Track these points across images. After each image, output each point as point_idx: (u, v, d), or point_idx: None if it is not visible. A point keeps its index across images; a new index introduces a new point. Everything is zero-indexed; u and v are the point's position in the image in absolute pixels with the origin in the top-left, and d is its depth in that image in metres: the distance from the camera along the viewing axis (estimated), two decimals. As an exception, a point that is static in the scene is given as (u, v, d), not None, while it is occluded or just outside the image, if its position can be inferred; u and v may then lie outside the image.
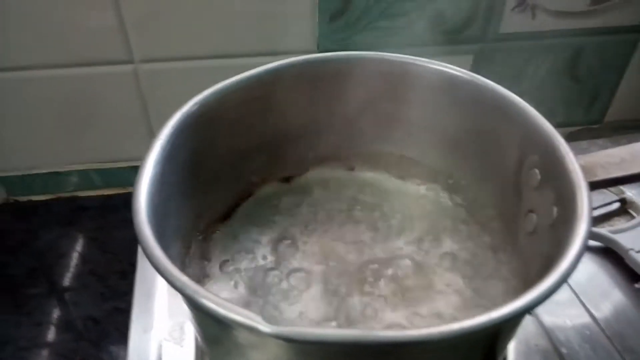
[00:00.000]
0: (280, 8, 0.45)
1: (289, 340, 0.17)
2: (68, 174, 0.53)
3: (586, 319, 0.33)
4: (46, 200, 0.53)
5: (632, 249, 0.36)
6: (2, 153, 0.51)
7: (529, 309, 0.18)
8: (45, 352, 0.41)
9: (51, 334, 0.42)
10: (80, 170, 0.53)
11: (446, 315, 0.29)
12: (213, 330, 0.23)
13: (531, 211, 0.27)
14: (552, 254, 0.21)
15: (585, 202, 0.22)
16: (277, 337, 0.17)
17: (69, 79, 0.46)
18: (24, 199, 0.54)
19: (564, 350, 0.31)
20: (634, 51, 0.53)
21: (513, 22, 0.49)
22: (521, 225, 0.28)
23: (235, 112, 0.31)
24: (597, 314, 0.33)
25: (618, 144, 0.38)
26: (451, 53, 0.50)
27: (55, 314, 0.44)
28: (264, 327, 0.17)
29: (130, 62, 0.46)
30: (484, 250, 0.31)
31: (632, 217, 0.39)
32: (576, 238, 0.20)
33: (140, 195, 0.22)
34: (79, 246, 0.49)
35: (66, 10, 0.43)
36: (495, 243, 0.31)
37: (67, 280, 0.46)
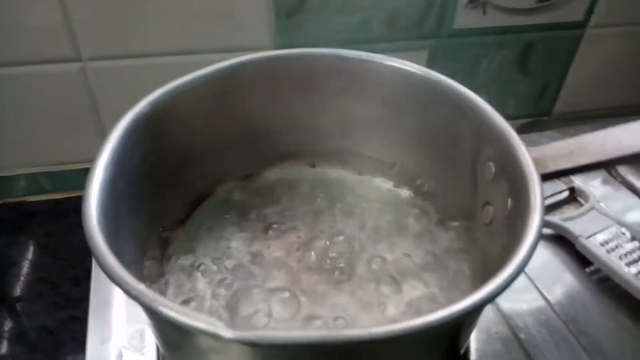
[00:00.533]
0: (236, 4, 0.44)
1: (252, 344, 0.17)
2: (15, 178, 0.51)
3: (542, 303, 0.34)
4: (-8, 206, 0.51)
5: (581, 236, 0.37)
6: (-60, 158, 0.48)
7: (488, 301, 0.19)
8: (-4, 368, 0.39)
9: (3, 347, 0.40)
10: (28, 173, 0.51)
11: (410, 308, 0.29)
12: (173, 338, 0.23)
13: (487, 203, 0.28)
14: (507, 245, 0.22)
15: (537, 194, 0.22)
16: (241, 342, 0.17)
17: (14, 78, 0.44)
18: (-32, 206, 0.51)
19: (522, 336, 0.32)
20: (578, 46, 0.55)
21: (466, 18, 0.50)
22: (478, 217, 0.29)
23: (190, 112, 0.30)
24: (551, 299, 0.35)
25: (565, 134, 0.40)
26: (407, 49, 0.51)
27: (7, 325, 0.42)
28: (226, 333, 0.17)
29: (78, 59, 0.44)
30: (444, 242, 0.32)
31: (581, 205, 0.41)
32: (530, 229, 0.21)
33: (90, 200, 0.21)
34: (29, 254, 0.47)
35: (8, 5, 0.40)
36: (455, 235, 0.32)
37: (18, 290, 0.44)
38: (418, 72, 0.31)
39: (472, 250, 0.30)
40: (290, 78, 0.33)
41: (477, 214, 0.29)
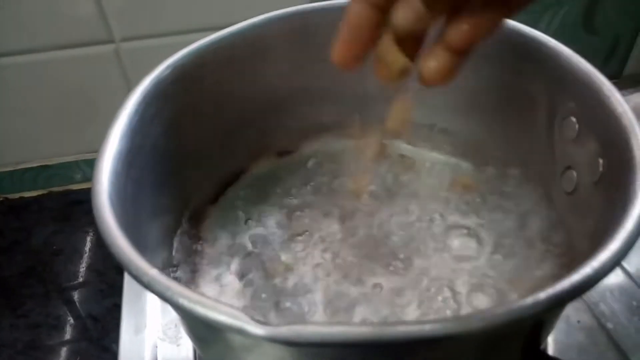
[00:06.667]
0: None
1: (287, 343, 0.14)
2: (58, 166, 0.51)
3: (632, 286, 0.29)
4: (38, 195, 0.51)
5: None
6: (-15, 148, 0.48)
7: (588, 287, 0.14)
8: (44, 355, 0.39)
9: (51, 335, 0.40)
10: (71, 162, 0.50)
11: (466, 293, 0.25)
12: (202, 333, 0.20)
13: (569, 168, 0.23)
14: (603, 215, 0.17)
15: (642, 148, 0.18)
16: (272, 340, 0.14)
17: (48, 65, 0.44)
18: (15, 196, 0.51)
19: (610, 326, 0.27)
20: (655, -4, 0.49)
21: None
22: (557, 185, 0.24)
23: (217, 76, 0.27)
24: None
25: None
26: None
27: (54, 313, 0.42)
28: (255, 329, 0.14)
29: (111, 41, 0.43)
30: (514, 217, 0.27)
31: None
32: (637, 191, 0.16)
33: (102, 175, 0.19)
34: (74, 242, 0.47)
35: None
36: (527, 208, 0.27)
37: (64, 279, 0.44)
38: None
39: (551, 225, 0.26)
40: (328, 34, 0.29)
41: (556, 181, 0.24)
